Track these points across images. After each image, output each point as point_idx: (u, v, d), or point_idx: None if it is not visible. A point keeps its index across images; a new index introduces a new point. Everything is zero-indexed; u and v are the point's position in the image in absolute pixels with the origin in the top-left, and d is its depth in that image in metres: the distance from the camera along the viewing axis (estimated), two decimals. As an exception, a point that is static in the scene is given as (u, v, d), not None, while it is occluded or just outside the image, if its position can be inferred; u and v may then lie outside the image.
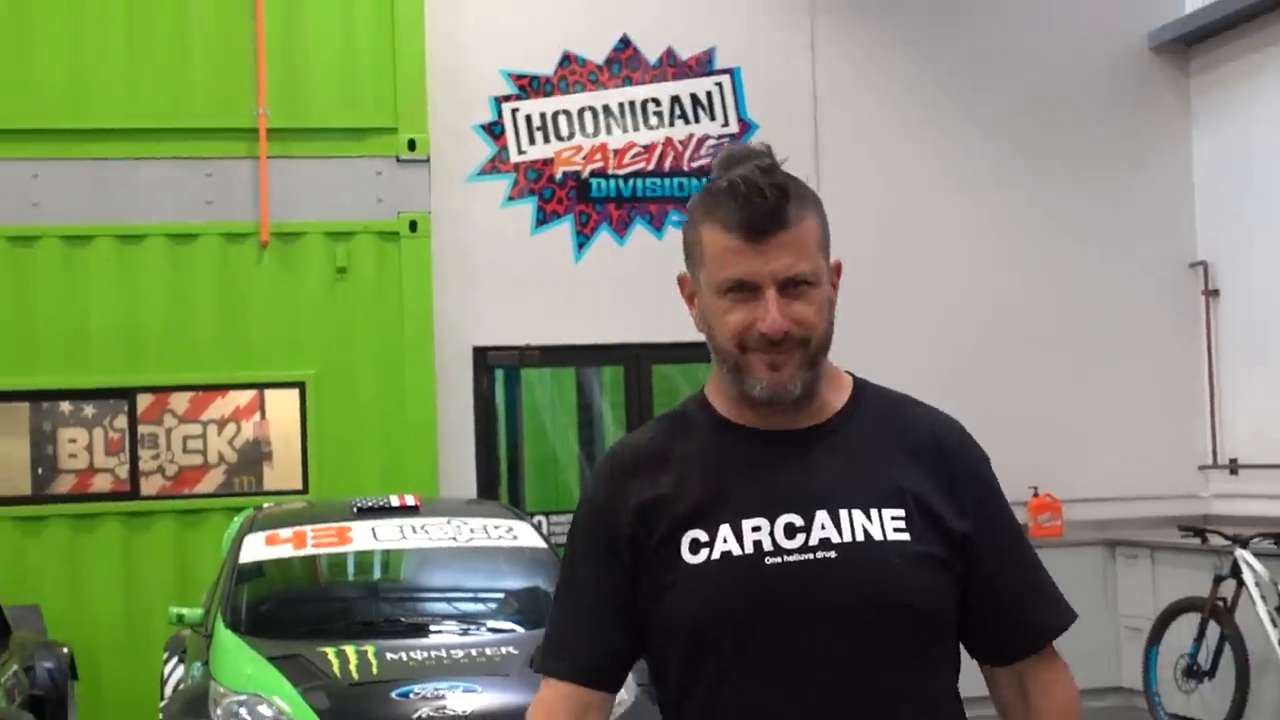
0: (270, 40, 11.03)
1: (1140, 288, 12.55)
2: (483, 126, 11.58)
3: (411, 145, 11.18)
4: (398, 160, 11.18)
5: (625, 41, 11.70)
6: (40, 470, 10.99)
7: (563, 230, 11.68)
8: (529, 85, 11.65)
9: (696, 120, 11.75)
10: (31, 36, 10.97)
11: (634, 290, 11.46)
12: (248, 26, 11.03)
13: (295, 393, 11.05)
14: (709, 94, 11.77)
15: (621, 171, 11.74)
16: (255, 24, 10.98)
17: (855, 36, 12.03)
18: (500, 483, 11.85)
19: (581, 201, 11.70)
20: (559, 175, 11.68)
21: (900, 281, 11.90)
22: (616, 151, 11.71)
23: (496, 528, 8.92)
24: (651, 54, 11.71)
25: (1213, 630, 9.62)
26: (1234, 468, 12.35)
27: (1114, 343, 12.36)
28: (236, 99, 11.08)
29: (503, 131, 11.63)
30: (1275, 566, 9.66)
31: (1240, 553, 9.61)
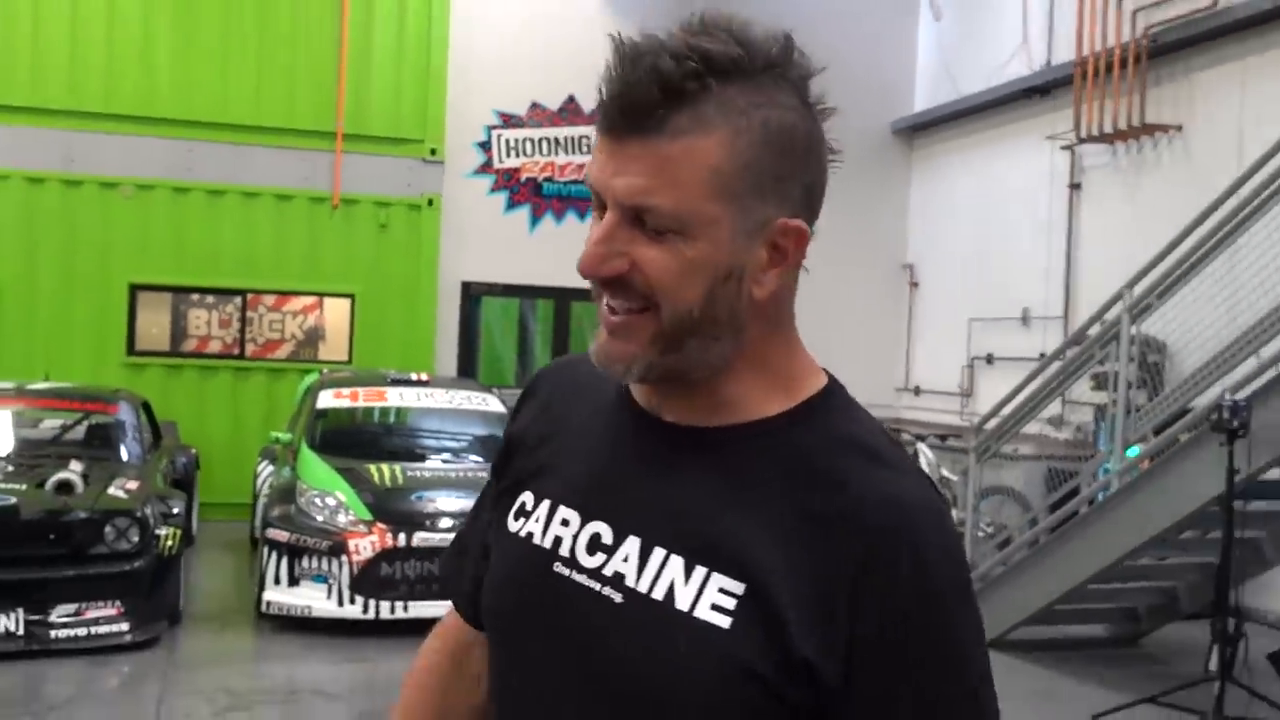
0: (348, 78, 11.46)
1: (872, 278, 13.10)
2: (478, 144, 12.11)
3: (433, 151, 11.74)
4: (423, 160, 11.71)
5: (571, 98, 12.15)
6: (177, 336, 11.45)
7: (522, 213, 12.22)
8: (508, 120, 12.14)
9: None
10: (191, 54, 11.21)
11: (563, 253, 11.65)
12: (333, 67, 11.43)
13: (347, 301, 11.58)
14: None
15: (562, 179, 12.23)
16: (339, 66, 11.42)
17: None
18: (473, 368, 12.22)
19: (535, 196, 12.23)
20: (524, 178, 12.18)
21: None
22: (560, 166, 12.22)
23: (472, 397, 9.26)
24: (587, 106, 11.82)
25: None
26: (917, 391, 13.12)
27: (853, 311, 12.66)
28: (325, 112, 11.47)
29: (490, 147, 12.13)
30: (940, 455, 10.04)
31: (919, 444, 10.14)
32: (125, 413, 8.74)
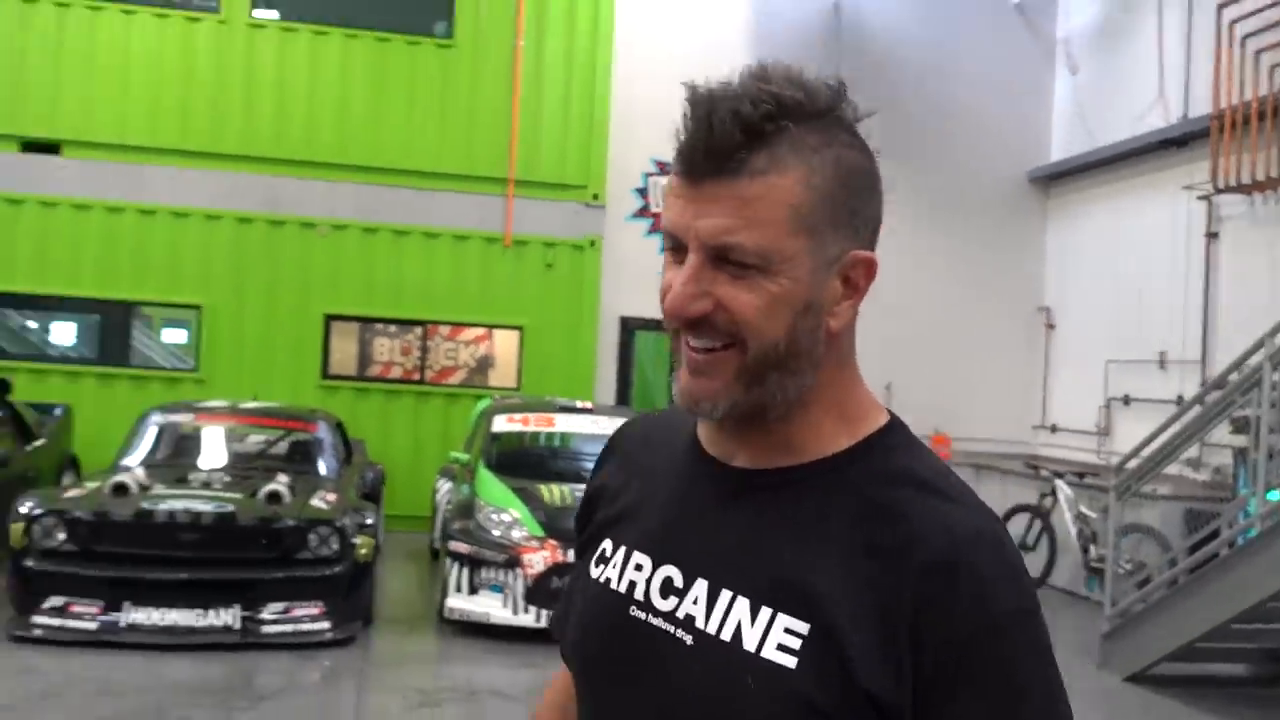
0: (520, 130, 11.78)
1: (1010, 320, 12.91)
2: (636, 190, 12.32)
3: (595, 196, 11.98)
4: (586, 205, 11.96)
5: (723, 147, 12.74)
6: (364, 361, 11.79)
7: (676, 254, 12.87)
8: (664, 168, 11.73)
9: None
10: (381, 108, 11.60)
11: None
12: (507, 119, 11.76)
13: (516, 333, 11.83)
14: None
15: (714, 222, 12.80)
16: (512, 118, 11.75)
17: None
18: (628, 397, 12.39)
19: (689, 238, 12.83)
20: (678, 222, 12.79)
21: (879, 308, 12.90)
22: (712, 211, 12.77)
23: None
24: None
25: (1036, 524, 9.77)
26: (1053, 429, 12.82)
27: (992, 351, 12.70)
28: (498, 160, 11.76)
29: (647, 193, 12.32)
30: (1077, 491, 9.74)
31: (1057, 481, 9.81)
32: (323, 431, 9.11)
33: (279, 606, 7.06)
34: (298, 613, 7.07)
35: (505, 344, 12.07)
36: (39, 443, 9.56)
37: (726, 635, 1.07)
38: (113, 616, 6.90)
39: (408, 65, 11.84)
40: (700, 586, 1.11)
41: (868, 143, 1.12)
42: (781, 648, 1.05)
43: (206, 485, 7.66)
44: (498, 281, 11.92)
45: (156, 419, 8.88)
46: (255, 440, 9.38)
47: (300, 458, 8.88)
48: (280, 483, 7.52)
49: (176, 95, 11.49)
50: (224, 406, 9.28)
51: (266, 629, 7.00)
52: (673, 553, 1.15)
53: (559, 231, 12.04)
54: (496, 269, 11.92)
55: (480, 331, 12.07)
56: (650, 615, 1.14)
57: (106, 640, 6.81)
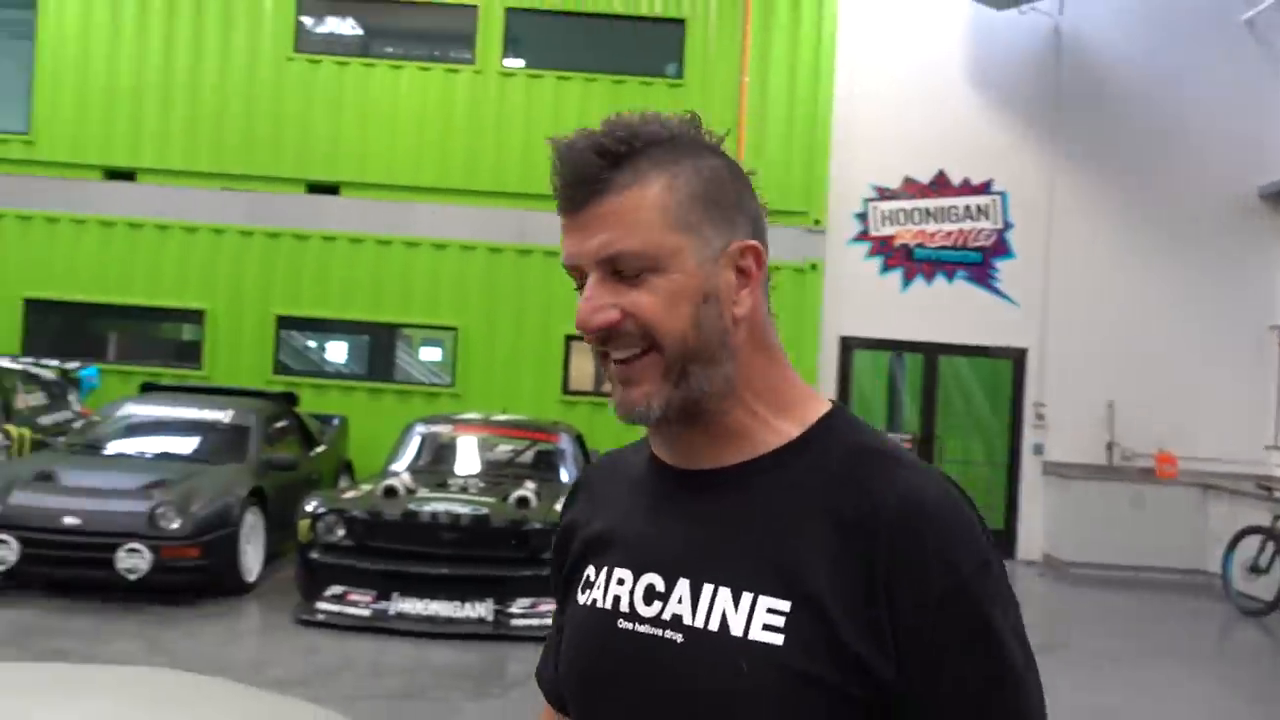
0: (745, 159, 12.10)
1: (1239, 338, 12.05)
2: (856, 214, 12.13)
3: (816, 222, 11.92)
4: (807, 230, 11.89)
5: (941, 172, 12.03)
6: (599, 378, 11.51)
7: (895, 276, 12.10)
8: (883, 193, 12.08)
9: (977, 219, 12.01)
10: (534, 147, 12.60)
11: (932, 311, 11.93)
12: (732, 152, 12.11)
13: None
14: (985, 205, 12.00)
15: (932, 245, 12.05)
16: (738, 149, 12.22)
17: (1076, 179, 11.96)
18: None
19: (908, 260, 12.07)
20: (897, 245, 12.08)
21: (1103, 326, 11.85)
22: (930, 234, 12.05)
23: None
24: (956, 179, 12.02)
25: (1269, 546, 9.38)
26: None
27: (1220, 370, 11.91)
28: None
29: (867, 218, 12.13)
30: None
31: None
32: (565, 442, 9.40)
33: (527, 602, 7.31)
34: (543, 608, 7.29)
35: None
36: (320, 449, 10.24)
37: (714, 626, 1.08)
38: (383, 605, 7.31)
39: (641, 105, 11.63)
40: (682, 586, 1.11)
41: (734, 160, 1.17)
42: (767, 627, 1.05)
43: (464, 490, 8.02)
44: (725, 304, 11.95)
45: (420, 429, 9.37)
46: (504, 449, 9.74)
47: (545, 466, 9.16)
48: (528, 489, 7.79)
49: (437, 139, 12.11)
50: (478, 418, 9.71)
51: (516, 622, 7.26)
52: (651, 561, 1.15)
53: (781, 255, 11.79)
54: (723, 292, 11.96)
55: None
56: (637, 624, 1.13)
57: (378, 626, 7.21)
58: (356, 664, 6.61)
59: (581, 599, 1.20)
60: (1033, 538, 12.11)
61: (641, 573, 1.14)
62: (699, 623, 1.08)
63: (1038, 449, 12.21)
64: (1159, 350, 12.00)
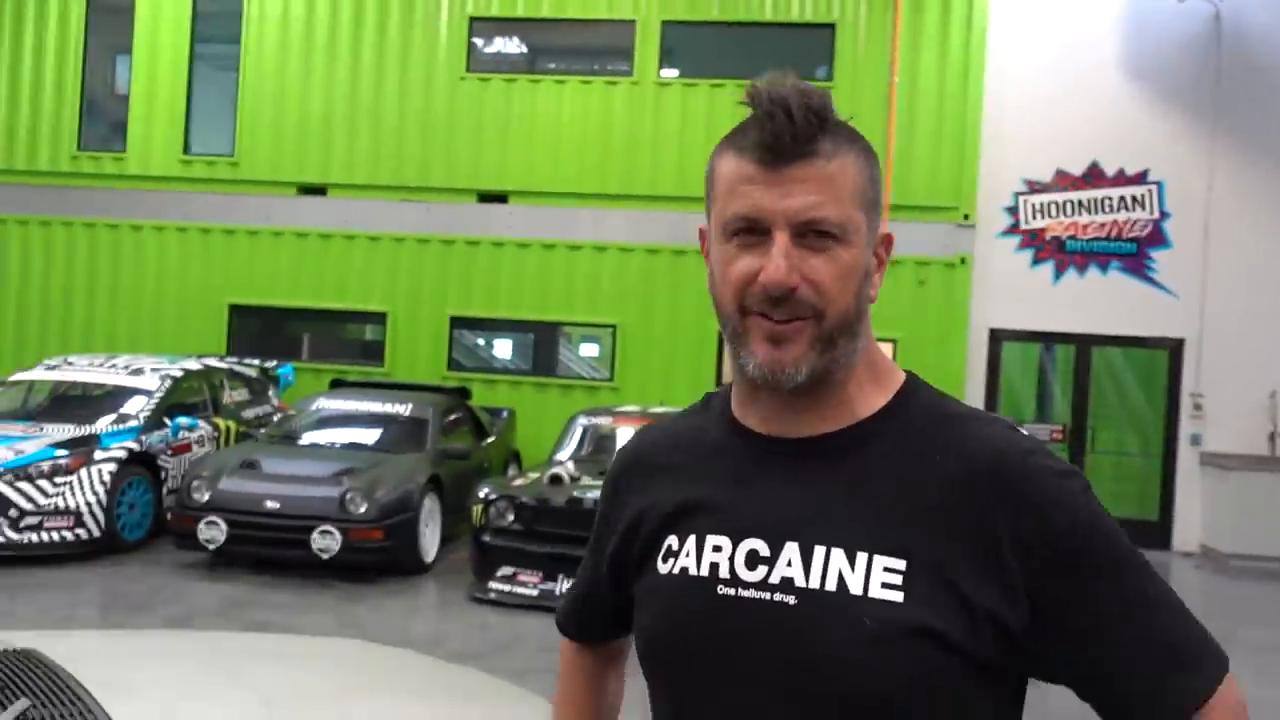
0: (895, 158, 11.48)
1: None
2: (1006, 208, 11.72)
3: (965, 217, 11.58)
4: (957, 225, 11.60)
5: (1094, 164, 11.54)
6: None
7: (1047, 268, 11.65)
8: (1034, 186, 11.67)
9: (1132, 210, 11.51)
10: (689, 153, 12.46)
11: (1085, 303, 11.47)
12: (882, 149, 11.29)
13: (890, 345, 11.15)
14: (1141, 195, 11.49)
15: (1084, 237, 11.56)
16: (888, 148, 11.44)
17: (1235, 166, 11.37)
18: (995, 405, 11.64)
19: (1059, 252, 11.61)
20: (1048, 237, 11.63)
21: (1264, 315, 11.26)
22: (1083, 225, 11.56)
23: None
24: (1110, 170, 11.53)
25: None
26: None
27: None
28: None
29: (1018, 211, 11.70)
30: None
31: None
32: (719, 434, 9.34)
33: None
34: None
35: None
36: (490, 440, 10.50)
37: (831, 586, 1.06)
38: (550, 585, 7.45)
39: None
40: (790, 549, 1.09)
41: None
42: (886, 585, 1.04)
43: (624, 478, 8.07)
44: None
45: (582, 421, 9.51)
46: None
47: (700, 456, 9.15)
48: (684, 478, 7.78)
49: (598, 148, 12.23)
50: (636, 411, 9.78)
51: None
52: (751, 527, 1.12)
53: (932, 250, 11.71)
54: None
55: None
56: (740, 589, 1.10)
57: (545, 605, 7.33)
58: (526, 640, 6.76)
59: (664, 568, 1.17)
60: (1189, 529, 11.47)
61: (741, 539, 1.12)
62: (814, 584, 1.07)
63: (1195, 439, 11.55)
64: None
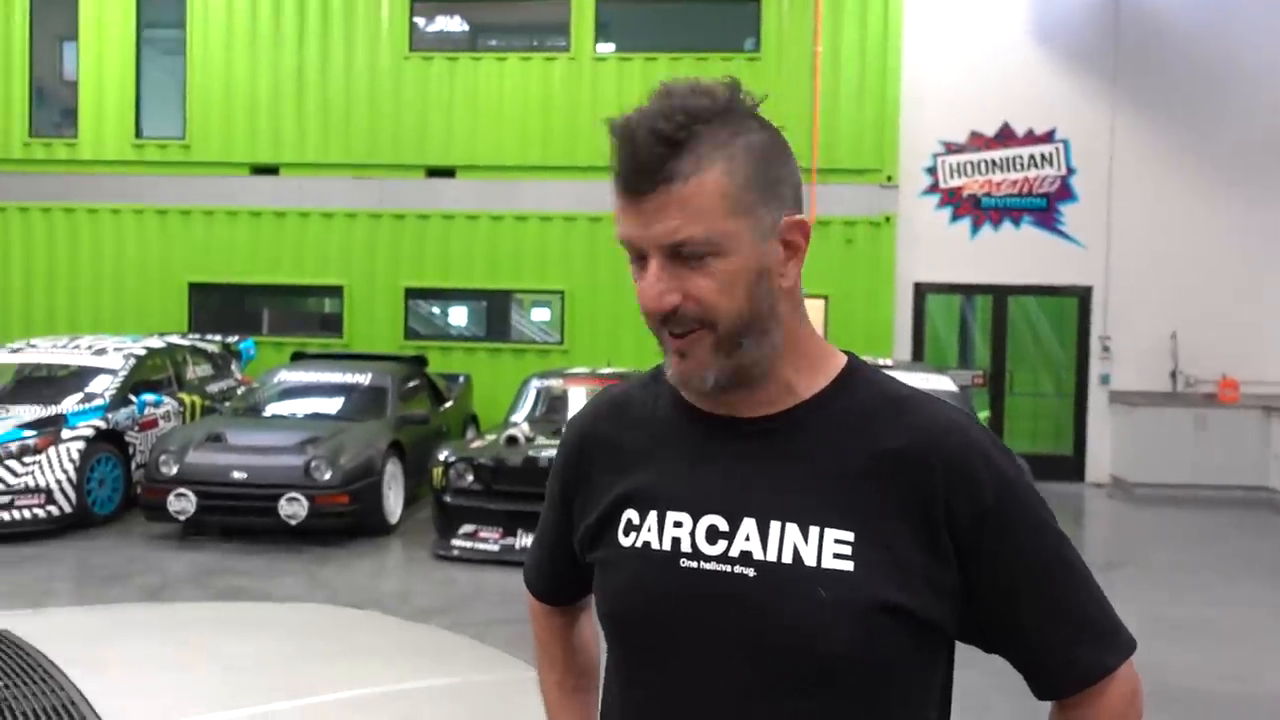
0: (821, 124, 11.53)
1: None
2: (926, 169, 11.77)
3: (888, 178, 11.62)
4: (880, 186, 11.62)
5: (1005, 124, 11.60)
6: None
7: (964, 224, 11.73)
8: (951, 147, 11.71)
9: (1040, 168, 11.56)
10: (596, 121, 12.33)
11: (999, 256, 11.54)
12: (808, 115, 11.48)
13: (822, 301, 11.56)
14: (1049, 153, 11.57)
15: (998, 194, 11.64)
16: (814, 115, 11.51)
17: (1136, 121, 11.40)
18: (921, 354, 11.86)
19: (975, 209, 11.69)
20: (965, 195, 11.70)
21: (1165, 261, 11.31)
22: (996, 183, 11.64)
23: (929, 377, 8.67)
24: (1020, 130, 11.58)
25: None
26: None
27: None
28: (803, 151, 11.42)
29: (936, 171, 11.75)
30: None
31: None
32: (665, 390, 9.33)
33: (636, 535, 7.31)
34: (651, 540, 7.30)
35: (813, 312, 11.53)
36: (448, 405, 10.40)
37: (787, 559, 1.06)
38: (509, 541, 7.43)
39: (722, 73, 11.85)
40: (748, 524, 1.08)
41: (772, 123, 1.11)
42: (838, 556, 1.05)
43: (576, 436, 8.04)
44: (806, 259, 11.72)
45: (535, 384, 9.45)
46: (611, 399, 9.75)
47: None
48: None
49: (539, 122, 12.06)
50: (586, 372, 9.73)
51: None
52: (709, 503, 1.11)
53: (858, 210, 11.75)
54: (803, 247, 11.75)
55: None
56: (702, 562, 1.10)
57: (505, 560, 7.33)
58: (488, 593, 6.74)
59: (626, 541, 1.15)
60: (1100, 462, 11.74)
61: (700, 514, 1.11)
62: (771, 557, 1.07)
63: (1104, 379, 11.81)
64: (1220, 282, 11.46)
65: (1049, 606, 1.09)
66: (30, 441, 7.96)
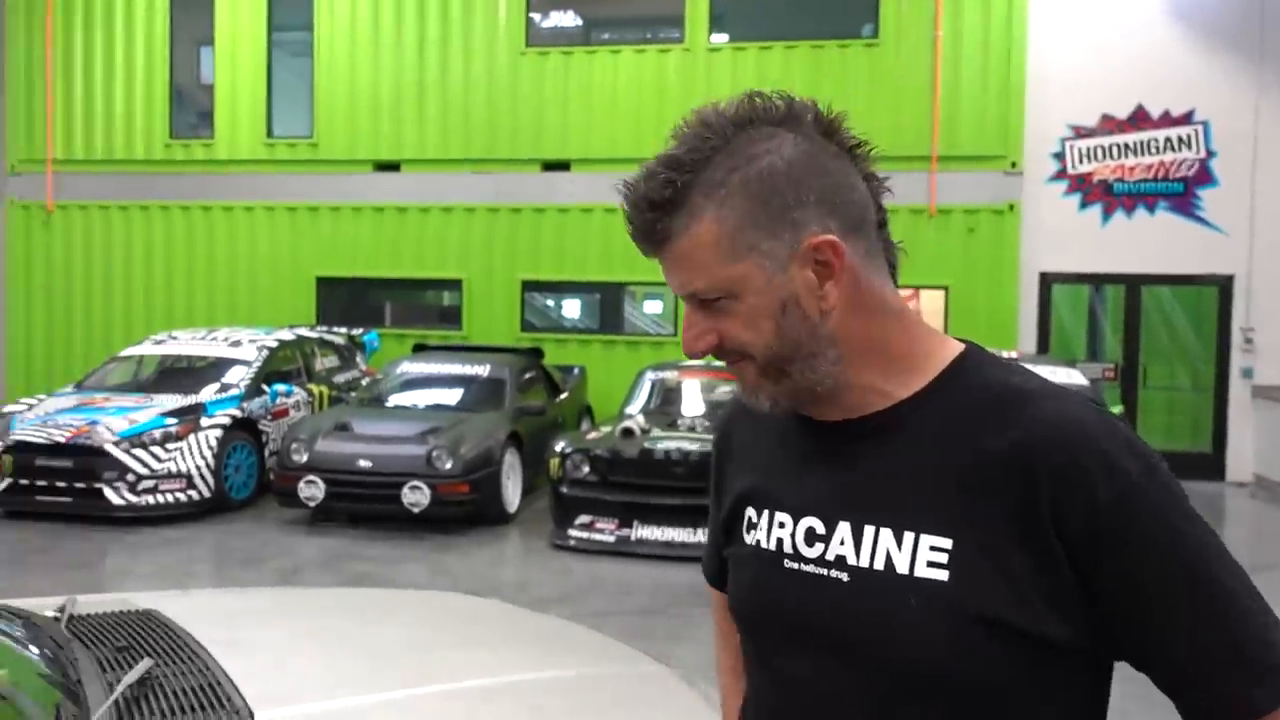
0: (941, 110, 11.23)
1: None
2: (1053, 154, 11.33)
3: (1013, 164, 11.20)
4: (1004, 173, 11.22)
5: (1139, 106, 11.11)
6: None
7: (1094, 211, 11.26)
8: (1080, 131, 11.25)
9: (1177, 151, 11.07)
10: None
11: (1134, 244, 11.08)
12: (929, 101, 11.25)
13: (942, 292, 11.33)
14: (1186, 135, 11.06)
15: (1131, 179, 11.17)
16: (934, 100, 11.25)
17: (1278, 101, 11.07)
18: (1047, 346, 11.47)
19: (1107, 195, 11.20)
20: (1095, 180, 11.23)
21: None
22: (1130, 168, 11.16)
23: (1057, 370, 8.62)
24: (1155, 112, 11.09)
25: None
26: None
27: None
28: (922, 139, 11.27)
29: (1064, 156, 11.31)
30: None
31: None
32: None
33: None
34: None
35: (932, 303, 11.58)
36: (563, 396, 10.51)
37: (879, 565, 1.04)
38: (625, 532, 7.46)
39: (839, 66, 11.66)
40: (843, 529, 1.07)
41: (799, 120, 1.07)
42: (932, 564, 1.01)
43: (692, 429, 8.04)
44: (923, 247, 11.37)
45: (650, 375, 9.47)
46: (723, 391, 9.70)
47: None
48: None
49: (653, 114, 11.98)
50: (701, 364, 9.69)
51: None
52: (808, 505, 1.11)
53: (980, 199, 11.37)
54: (921, 236, 11.42)
55: (908, 292, 11.56)
56: (802, 564, 1.10)
57: (621, 550, 7.37)
58: (605, 583, 6.78)
59: (747, 539, 1.17)
60: (1242, 459, 11.13)
61: (800, 516, 1.11)
62: (863, 563, 1.05)
63: (1246, 373, 11.17)
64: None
65: (1183, 629, 0.96)
66: (172, 429, 8.35)
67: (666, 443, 7.60)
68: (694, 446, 7.50)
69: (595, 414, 11.13)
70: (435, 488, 7.80)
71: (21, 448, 8.12)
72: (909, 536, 1.02)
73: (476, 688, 2.36)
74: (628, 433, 7.81)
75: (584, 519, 7.61)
